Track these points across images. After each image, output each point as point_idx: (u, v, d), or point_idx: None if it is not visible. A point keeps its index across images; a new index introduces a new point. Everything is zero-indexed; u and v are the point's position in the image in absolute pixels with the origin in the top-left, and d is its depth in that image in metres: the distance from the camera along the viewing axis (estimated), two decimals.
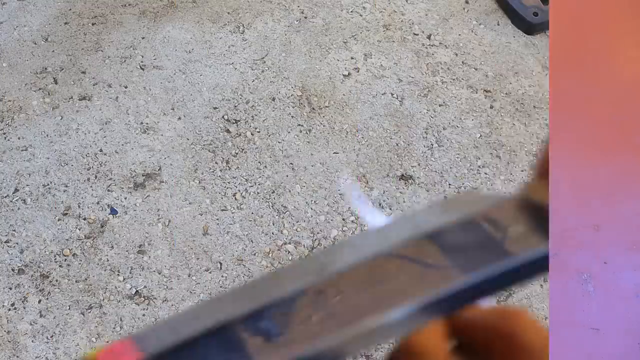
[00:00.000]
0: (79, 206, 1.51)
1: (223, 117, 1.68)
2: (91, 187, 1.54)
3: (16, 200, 1.52)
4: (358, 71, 1.79)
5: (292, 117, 1.69)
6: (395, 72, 1.79)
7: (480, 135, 1.68)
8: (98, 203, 1.52)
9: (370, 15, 1.92)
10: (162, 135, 1.64)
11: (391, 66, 1.80)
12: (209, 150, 1.62)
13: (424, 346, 0.22)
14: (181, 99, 1.71)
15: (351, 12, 1.93)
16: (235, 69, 1.77)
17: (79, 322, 1.36)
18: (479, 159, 1.64)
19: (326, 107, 1.71)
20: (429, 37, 1.88)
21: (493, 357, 0.22)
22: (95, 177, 1.56)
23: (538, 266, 0.21)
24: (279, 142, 1.64)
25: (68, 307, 1.38)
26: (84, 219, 1.49)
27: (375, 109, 1.71)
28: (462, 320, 0.23)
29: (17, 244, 1.45)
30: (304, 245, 1.48)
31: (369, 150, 1.64)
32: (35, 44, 1.80)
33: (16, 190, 1.53)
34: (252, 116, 1.68)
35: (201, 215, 1.51)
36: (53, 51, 1.79)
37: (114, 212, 1.51)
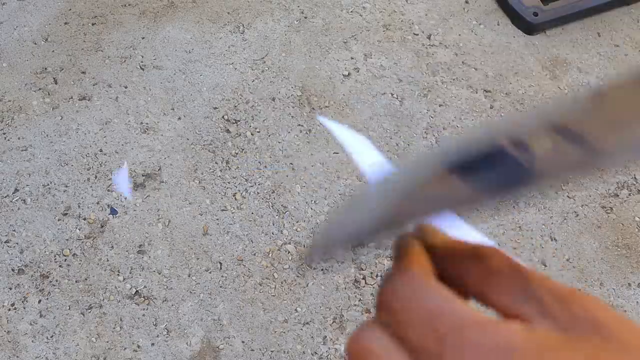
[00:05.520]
0: (79, 206, 1.51)
1: (223, 117, 1.68)
2: (91, 187, 1.54)
3: (16, 200, 1.52)
4: (358, 71, 1.79)
5: (292, 117, 1.69)
6: (395, 72, 1.79)
7: None
8: (98, 203, 1.52)
9: (370, 15, 1.92)
10: (162, 135, 1.64)
11: (391, 66, 1.80)
12: (209, 150, 1.62)
13: (415, 265, 0.24)
14: (181, 99, 1.71)
15: (351, 12, 1.93)
16: (235, 69, 1.77)
17: (79, 322, 1.36)
18: None
19: (326, 107, 1.71)
20: (429, 37, 1.88)
21: (467, 284, 0.24)
22: (95, 177, 1.56)
23: None
24: (279, 142, 1.64)
25: (68, 307, 1.38)
26: (84, 219, 1.49)
27: (375, 109, 1.71)
28: (441, 248, 0.25)
29: (17, 244, 1.45)
30: (304, 245, 1.48)
31: None
32: (35, 44, 1.80)
33: (16, 190, 1.53)
34: (252, 116, 1.68)
35: (201, 215, 1.51)
36: (53, 51, 1.79)
37: (114, 212, 1.51)
